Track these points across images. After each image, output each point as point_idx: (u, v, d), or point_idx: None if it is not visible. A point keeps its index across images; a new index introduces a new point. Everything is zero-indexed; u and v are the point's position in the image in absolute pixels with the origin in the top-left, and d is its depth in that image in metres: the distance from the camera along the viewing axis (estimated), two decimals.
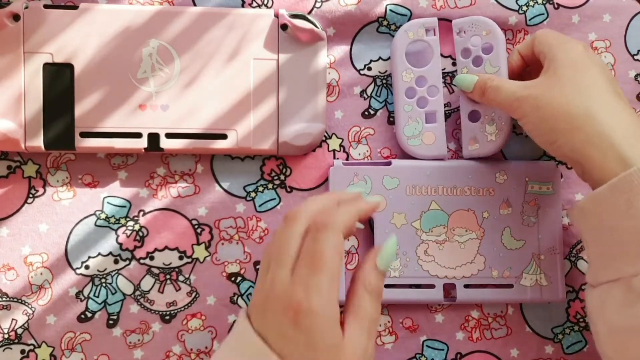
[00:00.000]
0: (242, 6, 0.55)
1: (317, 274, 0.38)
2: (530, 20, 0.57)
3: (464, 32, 0.55)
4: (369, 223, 0.56)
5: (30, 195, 0.55)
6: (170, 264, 0.55)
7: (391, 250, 0.42)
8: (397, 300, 0.55)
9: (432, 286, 0.55)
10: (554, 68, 0.48)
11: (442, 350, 0.57)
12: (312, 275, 0.38)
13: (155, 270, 0.55)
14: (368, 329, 0.40)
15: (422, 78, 0.55)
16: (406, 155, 0.56)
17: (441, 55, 0.56)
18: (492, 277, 0.55)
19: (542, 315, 0.57)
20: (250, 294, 0.56)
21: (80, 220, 0.55)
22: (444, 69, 0.57)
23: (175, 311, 0.56)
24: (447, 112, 0.57)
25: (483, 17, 0.54)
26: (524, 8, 0.57)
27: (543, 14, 0.57)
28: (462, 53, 0.55)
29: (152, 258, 0.55)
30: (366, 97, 0.57)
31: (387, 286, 0.54)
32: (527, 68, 0.55)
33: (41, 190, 0.55)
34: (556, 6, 0.57)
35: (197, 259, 0.56)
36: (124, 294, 0.55)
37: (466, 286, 0.55)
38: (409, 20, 0.56)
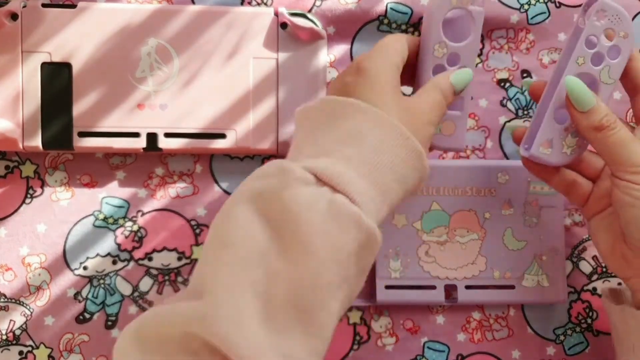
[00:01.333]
0: (242, 4, 0.55)
1: (375, 50, 0.44)
2: (531, 19, 0.57)
3: (602, 19, 0.45)
4: None
5: (29, 196, 0.55)
6: (169, 264, 0.55)
7: (466, 74, 0.45)
8: (398, 301, 0.54)
9: (433, 287, 0.54)
10: None
11: (443, 351, 0.56)
12: (372, 51, 0.44)
13: (154, 271, 0.55)
14: (439, 93, 0.44)
15: (456, 56, 0.46)
16: None
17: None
18: (494, 278, 0.55)
19: (544, 317, 0.57)
20: None
21: (79, 221, 0.55)
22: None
23: None
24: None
25: (627, 14, 0.45)
26: (526, 7, 0.57)
27: (545, 12, 0.57)
28: (587, 41, 0.45)
29: (150, 259, 0.55)
30: None
31: (387, 287, 0.54)
32: None
33: (39, 191, 0.55)
34: (558, 5, 0.57)
35: (196, 259, 0.55)
36: (122, 295, 0.55)
37: (467, 287, 0.55)
38: (409, 19, 0.56)
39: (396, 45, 0.44)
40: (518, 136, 0.48)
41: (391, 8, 0.56)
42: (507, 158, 0.57)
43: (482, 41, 0.56)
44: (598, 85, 0.45)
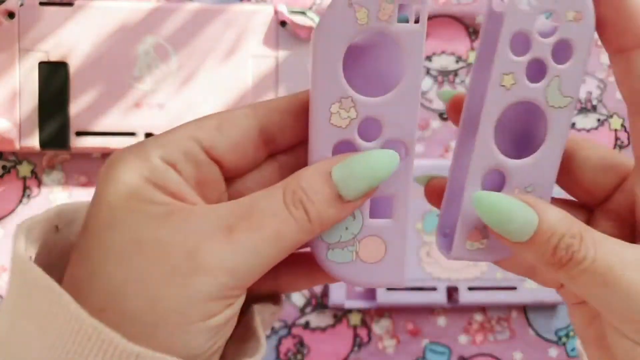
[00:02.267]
0: (241, 2, 0.55)
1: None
2: None
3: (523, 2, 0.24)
4: None
5: (25, 196, 0.54)
6: None
7: (375, 163, 0.24)
8: (399, 303, 0.54)
9: (434, 289, 0.54)
10: None
11: (445, 354, 0.56)
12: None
13: None
14: (223, 220, 0.22)
15: (375, 123, 0.25)
16: None
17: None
18: (496, 280, 0.54)
19: (546, 318, 0.57)
20: None
21: None
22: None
23: None
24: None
25: None
26: None
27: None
28: (516, 41, 0.24)
29: None
30: None
31: (388, 289, 0.53)
32: None
33: (36, 191, 0.55)
34: None
35: None
36: None
37: (469, 289, 0.54)
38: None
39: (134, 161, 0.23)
40: (431, 193, 0.28)
41: None
42: None
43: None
44: (547, 116, 0.25)
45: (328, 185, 0.23)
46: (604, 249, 0.23)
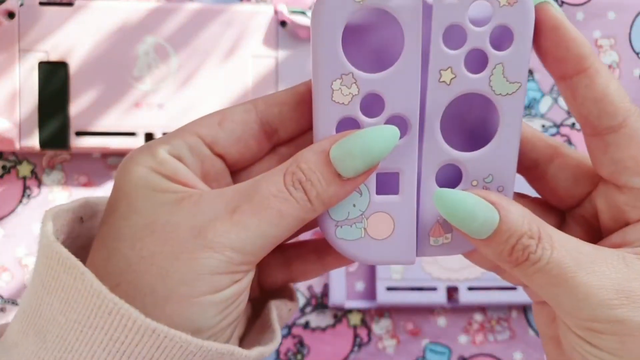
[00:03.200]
0: (241, 2, 0.55)
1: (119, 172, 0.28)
2: None
3: None
4: None
5: (25, 196, 0.54)
6: None
7: (372, 140, 0.24)
8: (399, 303, 0.54)
9: (434, 289, 0.54)
10: None
11: (445, 354, 0.56)
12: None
13: None
14: (228, 202, 0.24)
15: (377, 98, 0.25)
16: None
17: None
18: (496, 280, 0.54)
19: None
20: None
21: None
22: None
23: None
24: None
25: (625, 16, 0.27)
26: None
27: None
28: (446, 37, 0.24)
29: None
30: None
31: (388, 289, 0.53)
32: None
33: (36, 191, 0.54)
34: (560, 3, 0.57)
35: None
36: None
37: (469, 289, 0.54)
38: None
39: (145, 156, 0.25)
40: None
41: None
42: None
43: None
44: (495, 104, 0.25)
45: (326, 164, 0.24)
46: (560, 250, 0.23)
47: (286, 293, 0.29)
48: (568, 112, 0.56)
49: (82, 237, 0.26)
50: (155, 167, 0.24)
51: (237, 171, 0.27)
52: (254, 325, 0.27)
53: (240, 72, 0.53)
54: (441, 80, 0.25)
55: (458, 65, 0.24)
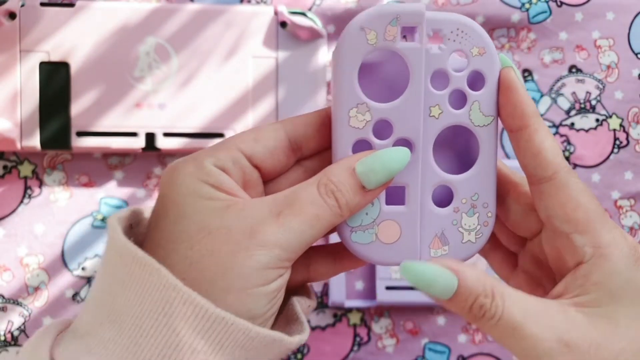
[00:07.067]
0: (241, 3, 0.55)
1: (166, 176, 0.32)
2: (533, 17, 0.56)
3: (443, 40, 0.30)
4: None
5: (27, 196, 0.55)
6: None
7: (390, 159, 0.29)
8: (399, 302, 0.54)
9: None
10: (614, 301, 0.29)
11: (444, 353, 0.56)
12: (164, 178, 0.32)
13: None
14: (312, 192, 0.29)
15: (386, 124, 0.30)
16: None
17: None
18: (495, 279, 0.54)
19: None
20: None
21: (77, 221, 0.55)
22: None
23: None
24: None
25: (470, 20, 0.31)
26: (527, 5, 0.56)
27: (546, 11, 0.56)
28: (434, 80, 0.30)
29: None
30: None
31: (388, 288, 0.54)
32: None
33: (37, 191, 0.55)
34: (559, 4, 0.57)
35: None
36: None
37: None
38: None
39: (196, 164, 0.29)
40: None
41: None
42: (508, 157, 0.57)
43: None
44: (475, 134, 0.31)
45: (353, 178, 0.29)
46: (511, 306, 0.27)
47: (304, 291, 0.33)
48: (567, 112, 0.57)
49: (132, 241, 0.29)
50: (203, 178, 0.28)
51: (267, 181, 0.31)
52: (277, 320, 0.30)
53: (241, 73, 0.53)
54: (431, 115, 0.30)
55: (444, 102, 0.30)
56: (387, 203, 0.31)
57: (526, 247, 0.33)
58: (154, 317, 0.26)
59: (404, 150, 0.29)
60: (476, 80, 0.31)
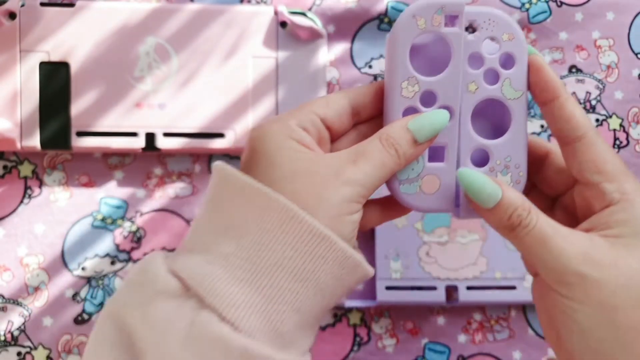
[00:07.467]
0: (241, 3, 0.55)
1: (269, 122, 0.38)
2: (532, 18, 0.56)
3: (475, 30, 0.37)
4: None
5: (27, 196, 0.55)
6: None
7: (433, 117, 0.35)
8: (399, 302, 0.54)
9: (433, 288, 0.54)
10: (634, 236, 0.34)
11: (444, 353, 0.56)
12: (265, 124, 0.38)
13: None
14: (376, 144, 0.35)
15: (431, 94, 0.37)
16: None
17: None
18: (495, 279, 0.54)
19: None
20: None
21: (77, 221, 0.55)
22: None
23: None
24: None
25: (502, 12, 0.37)
26: (527, 5, 0.56)
27: (546, 11, 0.56)
28: (471, 60, 0.37)
29: None
30: None
31: (388, 288, 0.54)
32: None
33: (37, 191, 0.55)
34: (559, 4, 0.57)
35: None
36: None
37: (468, 288, 0.54)
38: None
39: (296, 115, 0.36)
40: None
41: (392, 7, 0.55)
42: None
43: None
44: (507, 106, 0.37)
45: (408, 133, 0.35)
46: (543, 222, 0.34)
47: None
48: None
49: None
50: (289, 134, 0.34)
51: (332, 141, 0.37)
52: None
53: (241, 73, 0.53)
54: (468, 90, 0.37)
55: (479, 79, 0.37)
56: (430, 161, 0.37)
57: (556, 203, 0.39)
58: (272, 233, 0.32)
59: (445, 112, 0.36)
60: (507, 61, 0.37)
